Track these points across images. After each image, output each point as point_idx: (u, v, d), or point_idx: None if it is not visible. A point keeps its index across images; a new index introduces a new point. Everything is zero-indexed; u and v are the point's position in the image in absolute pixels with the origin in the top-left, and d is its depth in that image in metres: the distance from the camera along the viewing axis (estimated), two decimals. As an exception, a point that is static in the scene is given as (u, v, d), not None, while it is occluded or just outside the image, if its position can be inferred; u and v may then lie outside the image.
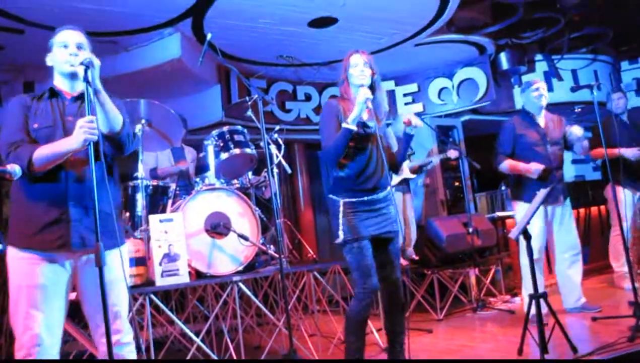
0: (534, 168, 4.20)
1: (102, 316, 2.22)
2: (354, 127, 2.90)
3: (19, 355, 2.22)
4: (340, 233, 2.96)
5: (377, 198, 3.04)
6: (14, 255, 2.30)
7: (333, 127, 2.97)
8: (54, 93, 2.46)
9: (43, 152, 2.24)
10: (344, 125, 2.91)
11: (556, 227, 4.40)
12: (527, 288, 4.27)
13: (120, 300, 2.38)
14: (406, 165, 5.57)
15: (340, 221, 2.97)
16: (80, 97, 2.46)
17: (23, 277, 2.26)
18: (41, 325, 2.23)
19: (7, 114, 2.40)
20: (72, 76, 2.44)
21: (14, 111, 2.39)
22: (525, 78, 7.51)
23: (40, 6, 4.56)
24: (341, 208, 2.98)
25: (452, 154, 5.45)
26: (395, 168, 3.32)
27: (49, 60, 2.49)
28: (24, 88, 5.72)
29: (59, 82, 2.48)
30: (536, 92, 4.38)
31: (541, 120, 4.41)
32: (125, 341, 2.39)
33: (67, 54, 2.41)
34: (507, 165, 4.36)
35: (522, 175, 4.34)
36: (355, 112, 2.90)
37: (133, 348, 2.44)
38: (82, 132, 2.16)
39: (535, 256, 4.09)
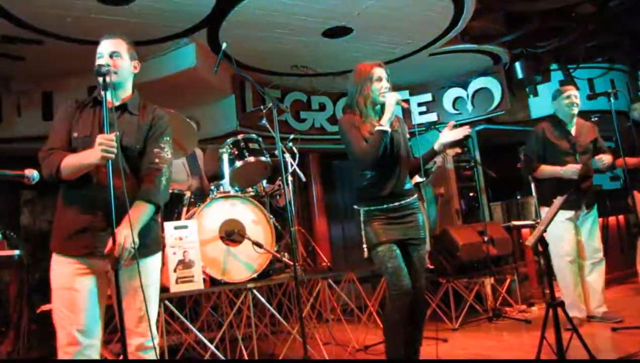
0: (572, 168, 4.21)
1: (130, 319, 2.34)
2: (388, 128, 2.94)
3: (59, 353, 2.31)
4: (365, 241, 3.01)
5: (398, 206, 3.04)
6: (54, 259, 2.39)
7: (358, 134, 3.00)
8: (97, 102, 2.49)
9: (69, 162, 2.30)
10: (378, 128, 2.94)
11: (583, 235, 4.43)
12: (563, 294, 4.29)
13: (147, 304, 2.37)
14: None
15: (363, 230, 3.03)
16: (121, 107, 2.51)
17: (59, 279, 2.36)
18: (75, 325, 2.29)
19: (54, 120, 2.50)
20: (108, 86, 2.43)
21: (59, 118, 2.48)
22: (541, 86, 7.49)
23: (57, 17, 4.64)
24: (362, 218, 3.04)
25: (452, 151, 5.39)
26: (414, 174, 3.33)
27: None
28: (43, 98, 5.81)
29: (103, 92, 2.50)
30: (568, 100, 4.37)
31: (572, 128, 4.41)
32: (149, 345, 2.40)
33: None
34: (545, 170, 4.36)
35: (548, 181, 4.35)
36: (387, 115, 2.95)
37: (155, 354, 2.44)
38: (100, 150, 2.18)
39: (568, 259, 4.13)
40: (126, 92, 2.55)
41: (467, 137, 3.23)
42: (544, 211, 4.43)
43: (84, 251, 2.34)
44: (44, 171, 2.33)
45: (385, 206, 3.02)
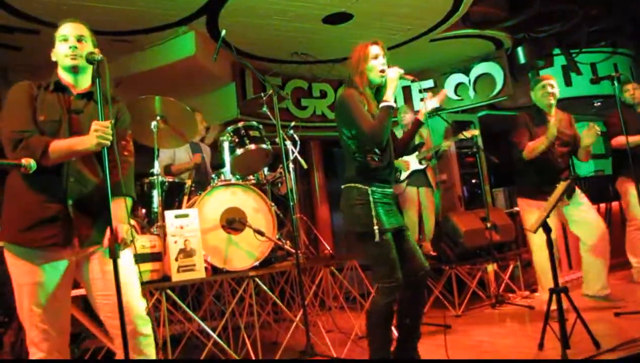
0: (551, 124, 4.06)
1: (108, 309, 2.30)
2: (393, 103, 2.89)
3: (30, 350, 2.25)
4: (365, 222, 2.85)
5: (390, 192, 3.05)
6: (11, 252, 2.27)
7: (364, 110, 2.90)
8: (60, 87, 2.40)
9: (60, 147, 2.21)
10: (383, 103, 2.87)
11: (573, 223, 4.33)
12: (542, 285, 4.23)
13: (125, 292, 2.26)
14: (415, 157, 5.52)
15: (362, 209, 2.87)
16: (87, 95, 2.43)
17: (22, 274, 2.25)
18: (45, 320, 2.23)
19: (14, 101, 2.33)
20: (74, 70, 2.39)
21: (21, 99, 2.32)
22: (543, 71, 7.44)
23: (55, 6, 4.60)
24: (370, 197, 2.88)
25: (467, 134, 5.34)
26: (400, 155, 3.32)
27: (53, 55, 2.44)
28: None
29: (64, 77, 2.42)
30: (543, 90, 4.28)
31: (552, 117, 4.31)
32: (143, 332, 2.34)
33: (67, 47, 2.37)
34: (532, 146, 4.17)
35: (524, 171, 4.30)
36: (390, 90, 2.90)
37: (152, 340, 2.39)
38: (96, 136, 2.15)
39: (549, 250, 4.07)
40: (88, 79, 2.45)
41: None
42: (523, 203, 4.39)
43: (48, 241, 2.24)
44: (22, 153, 2.16)
45: (387, 190, 2.99)
